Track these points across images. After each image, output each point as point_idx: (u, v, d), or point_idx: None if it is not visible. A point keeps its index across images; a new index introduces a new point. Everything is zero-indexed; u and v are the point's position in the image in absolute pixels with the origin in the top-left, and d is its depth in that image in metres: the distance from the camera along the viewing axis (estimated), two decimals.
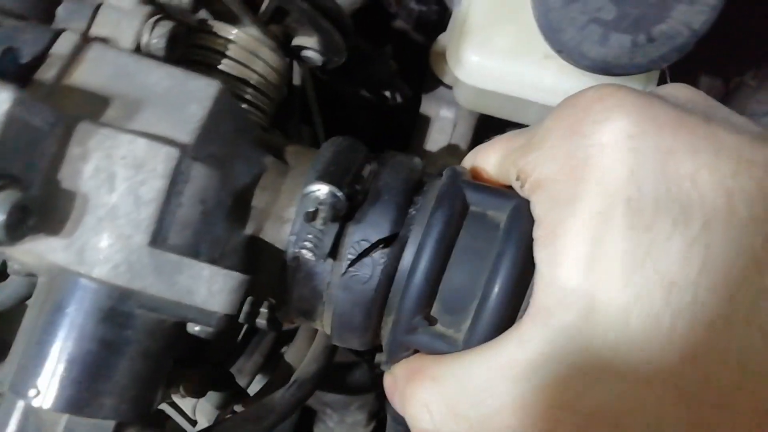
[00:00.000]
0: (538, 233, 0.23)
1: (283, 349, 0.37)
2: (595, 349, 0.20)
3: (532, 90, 0.39)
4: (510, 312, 0.25)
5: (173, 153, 0.23)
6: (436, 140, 0.50)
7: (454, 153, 0.49)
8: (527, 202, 0.25)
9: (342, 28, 0.32)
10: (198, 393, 0.28)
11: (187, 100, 0.25)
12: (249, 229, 0.28)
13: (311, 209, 0.25)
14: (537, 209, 0.24)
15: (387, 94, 0.64)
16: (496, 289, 0.25)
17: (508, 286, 0.25)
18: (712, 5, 0.30)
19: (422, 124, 0.51)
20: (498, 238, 0.26)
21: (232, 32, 0.31)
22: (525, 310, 0.24)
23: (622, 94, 0.22)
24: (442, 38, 0.48)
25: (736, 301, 0.19)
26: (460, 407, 0.22)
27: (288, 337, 0.43)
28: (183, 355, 0.28)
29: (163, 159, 0.23)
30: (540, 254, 0.23)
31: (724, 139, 0.21)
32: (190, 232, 0.24)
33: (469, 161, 0.30)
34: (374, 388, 0.60)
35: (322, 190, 0.25)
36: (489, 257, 0.26)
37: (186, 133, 0.24)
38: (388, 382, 0.28)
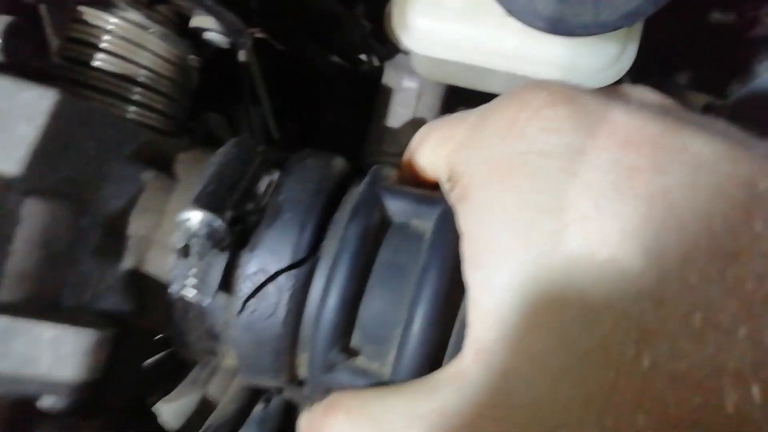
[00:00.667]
0: (465, 250, 0.19)
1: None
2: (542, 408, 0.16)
3: (492, 56, 0.32)
4: (438, 341, 0.20)
5: None
6: (399, 114, 0.45)
7: (420, 127, 0.43)
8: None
9: (237, 4, 0.26)
10: None
11: (14, 118, 0.20)
12: (128, 263, 0.23)
13: (182, 243, 0.20)
14: (463, 221, 0.19)
15: (363, 57, 0.58)
16: (420, 316, 0.20)
17: (433, 312, 0.20)
18: None
19: (384, 96, 0.46)
20: (422, 252, 0.21)
21: (108, 20, 0.26)
22: (458, 336, 0.20)
23: (575, 99, 0.18)
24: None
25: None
26: None
27: None
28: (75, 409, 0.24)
29: None
30: (470, 277, 0.18)
31: (700, 152, 0.16)
32: (28, 284, 0.20)
33: (413, 143, 0.26)
34: None
35: (193, 219, 0.20)
36: (413, 275, 0.21)
37: (12, 162, 0.19)
38: (302, 422, 0.24)
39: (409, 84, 0.44)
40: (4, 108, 0.20)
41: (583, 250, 0.16)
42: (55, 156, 0.20)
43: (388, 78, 0.45)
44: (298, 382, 0.26)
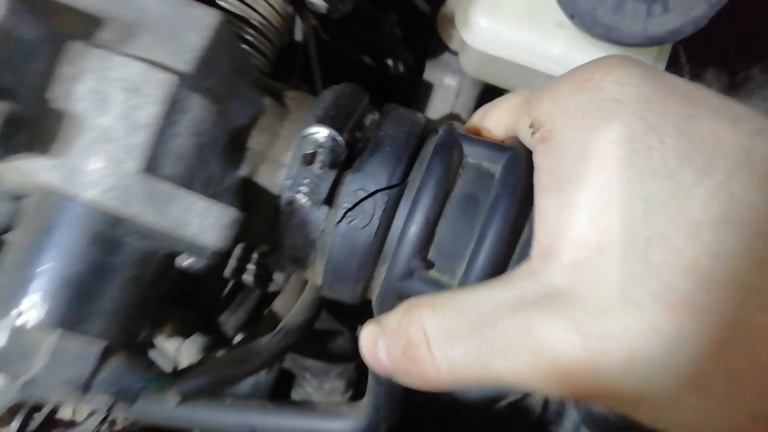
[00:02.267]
0: (544, 180, 0.23)
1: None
2: (610, 281, 0.20)
3: (540, 59, 0.38)
4: (504, 255, 0.25)
5: (172, 80, 0.22)
6: (437, 108, 0.50)
7: (456, 120, 0.48)
8: (525, 154, 0.25)
9: None
10: (184, 333, 0.28)
11: (185, 27, 0.24)
12: (243, 171, 0.27)
13: (309, 152, 0.25)
14: (546, 158, 0.24)
15: (389, 61, 0.63)
16: (492, 232, 0.24)
17: (504, 230, 0.24)
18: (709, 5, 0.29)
19: (424, 90, 0.51)
20: (493, 186, 0.26)
21: None
22: (519, 254, 0.24)
23: (641, 65, 0.23)
24: (451, 1, 0.47)
25: (757, 244, 0.19)
26: (459, 333, 0.22)
27: (272, 297, 0.42)
28: (172, 293, 0.28)
29: (160, 85, 0.22)
30: (547, 199, 0.23)
31: (739, 111, 0.21)
32: (184, 164, 0.23)
33: (476, 119, 0.30)
34: (355, 357, 0.60)
35: (321, 132, 0.25)
36: (484, 204, 0.26)
37: (184, 62, 0.23)
38: (371, 330, 0.27)
39: (450, 82, 0.49)
40: (177, 18, 0.24)
41: (648, 168, 0.20)
42: (211, 64, 0.24)
43: (430, 74, 0.50)
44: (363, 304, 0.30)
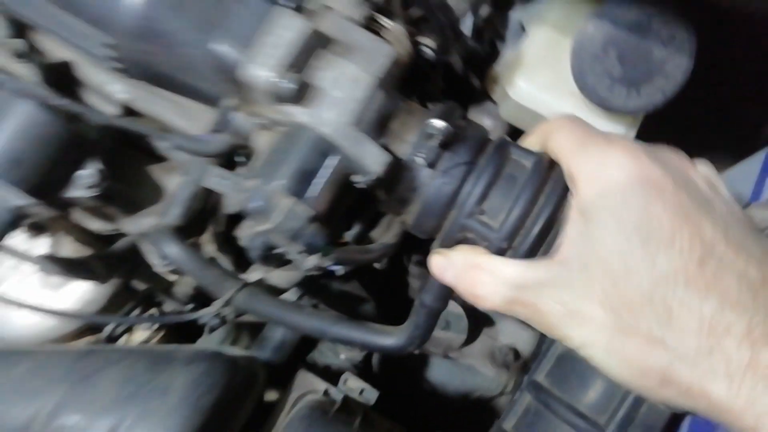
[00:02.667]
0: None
1: None
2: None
3: (556, 113, 0.58)
4: (528, 212, 0.43)
5: (373, 79, 0.41)
6: None
7: None
8: (546, 158, 0.44)
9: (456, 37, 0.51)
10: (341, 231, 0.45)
11: (378, 52, 0.43)
12: (382, 140, 0.46)
13: (432, 132, 0.43)
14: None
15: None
16: (524, 198, 0.43)
17: (530, 197, 0.43)
18: (678, 81, 0.50)
19: None
20: (527, 172, 0.44)
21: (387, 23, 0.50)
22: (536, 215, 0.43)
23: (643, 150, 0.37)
24: (497, 67, 0.67)
25: None
26: (520, 297, 0.39)
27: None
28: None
29: (367, 81, 0.41)
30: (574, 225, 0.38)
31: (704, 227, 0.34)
32: (368, 126, 0.42)
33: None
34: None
35: (440, 123, 0.43)
36: (520, 182, 0.44)
37: (377, 68, 0.42)
38: (439, 260, 0.44)
39: (487, 123, 0.69)
40: (372, 46, 0.43)
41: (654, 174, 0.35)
42: (387, 75, 0.44)
43: (472, 116, 0.70)
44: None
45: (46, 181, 0.53)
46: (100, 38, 0.46)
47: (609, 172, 0.36)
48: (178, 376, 0.50)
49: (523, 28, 0.69)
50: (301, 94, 0.40)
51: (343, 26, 0.42)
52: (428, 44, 0.52)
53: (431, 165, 0.45)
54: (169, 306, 0.82)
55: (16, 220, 0.54)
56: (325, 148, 0.40)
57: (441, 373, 0.99)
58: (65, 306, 0.75)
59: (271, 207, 0.40)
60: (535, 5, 0.67)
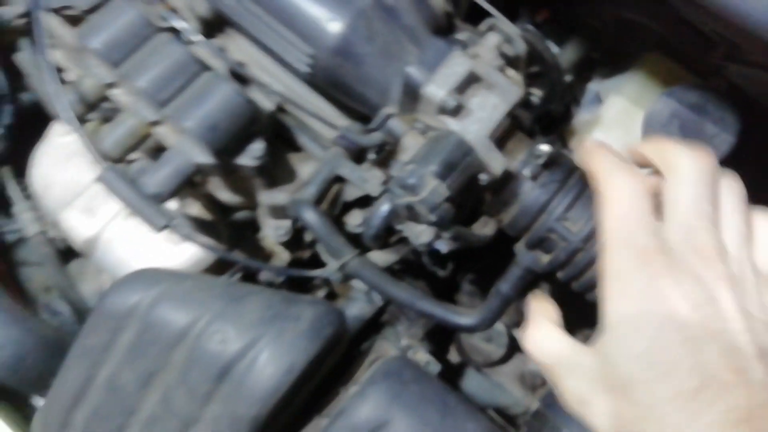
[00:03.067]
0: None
1: None
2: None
3: None
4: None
5: (504, 109, 0.57)
6: None
7: None
8: None
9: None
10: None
11: (510, 91, 0.59)
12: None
13: (539, 154, 0.59)
14: None
15: None
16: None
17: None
18: (722, 152, 0.65)
19: None
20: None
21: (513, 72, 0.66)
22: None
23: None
24: (575, 123, 0.83)
25: None
26: (550, 367, 0.48)
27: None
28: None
29: (502, 109, 0.57)
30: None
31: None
32: (496, 140, 0.58)
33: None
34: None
35: (547, 147, 0.59)
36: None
37: (509, 101, 0.58)
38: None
39: None
40: (504, 87, 0.60)
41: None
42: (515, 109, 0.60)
43: None
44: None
45: (228, 147, 0.69)
46: (302, 48, 0.63)
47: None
48: (306, 309, 0.65)
49: (598, 98, 0.86)
50: (457, 110, 0.56)
51: (489, 70, 0.58)
52: (536, 93, 0.68)
53: (533, 178, 0.61)
54: (263, 277, 0.96)
55: (193, 174, 0.71)
56: (466, 150, 0.56)
57: (472, 385, 1.11)
58: (178, 261, 0.90)
59: (421, 184, 0.55)
60: (611, 80, 0.84)
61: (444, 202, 0.56)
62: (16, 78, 1.07)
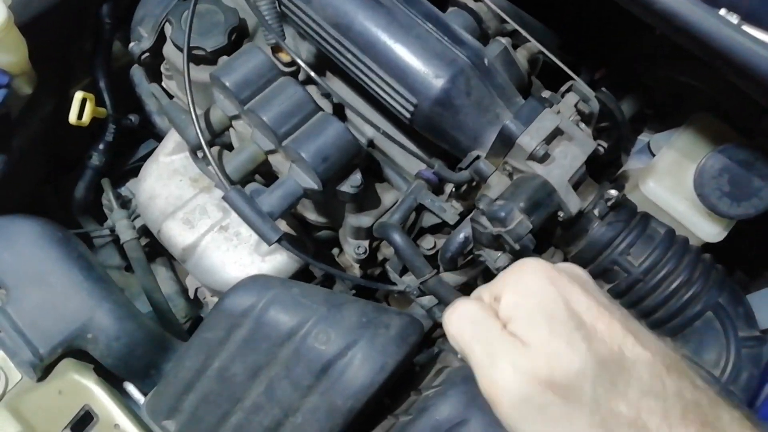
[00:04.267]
0: None
1: None
2: None
3: (674, 209, 0.83)
4: None
5: (583, 158, 0.68)
6: None
7: None
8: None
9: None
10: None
11: (588, 143, 0.69)
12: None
13: (608, 197, 0.69)
14: None
15: None
16: (661, 248, 0.68)
17: (665, 249, 0.68)
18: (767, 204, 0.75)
19: None
20: (660, 236, 0.70)
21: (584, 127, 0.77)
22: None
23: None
24: (627, 169, 0.93)
25: None
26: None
27: None
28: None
29: (582, 158, 0.68)
30: None
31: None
32: (574, 184, 0.68)
33: None
34: None
35: (615, 192, 0.69)
36: (656, 240, 0.69)
37: (587, 152, 0.69)
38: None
39: None
40: (574, 133, 0.70)
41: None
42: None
43: None
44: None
45: (334, 176, 0.80)
46: (408, 97, 0.75)
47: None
48: (395, 318, 0.75)
49: (648, 149, 0.96)
50: (544, 157, 0.66)
51: (570, 125, 0.69)
52: (603, 145, 0.79)
53: (601, 217, 0.71)
54: (337, 287, 1.07)
55: (301, 198, 0.82)
56: (549, 191, 0.66)
57: None
58: (263, 271, 1.00)
59: (510, 218, 0.65)
60: (662, 134, 0.94)
61: (528, 234, 0.66)
62: (119, 101, 1.21)
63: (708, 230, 0.82)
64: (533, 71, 0.83)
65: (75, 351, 0.85)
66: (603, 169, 1.00)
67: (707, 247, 0.83)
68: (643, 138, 0.99)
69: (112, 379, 0.89)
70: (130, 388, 0.90)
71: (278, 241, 0.77)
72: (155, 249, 1.25)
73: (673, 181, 0.84)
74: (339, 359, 0.71)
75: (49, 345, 0.83)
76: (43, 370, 0.84)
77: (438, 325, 1.04)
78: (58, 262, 0.86)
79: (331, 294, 0.78)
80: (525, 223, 0.65)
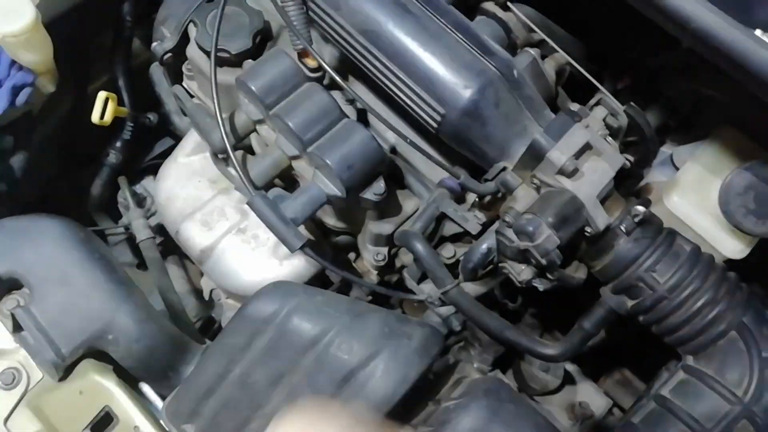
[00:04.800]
0: None
1: None
2: None
3: (696, 225, 0.83)
4: None
5: (611, 173, 0.68)
6: None
7: None
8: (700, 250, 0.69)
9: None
10: None
11: (616, 158, 0.69)
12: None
13: (635, 213, 0.69)
14: None
15: None
16: (686, 266, 0.68)
17: (690, 267, 0.68)
18: None
19: None
20: (686, 254, 0.69)
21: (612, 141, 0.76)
22: None
23: None
24: (650, 185, 0.93)
25: None
26: None
27: None
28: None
29: (610, 174, 0.67)
30: None
31: None
32: (601, 199, 0.68)
33: None
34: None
35: (642, 209, 0.69)
36: (682, 258, 0.69)
37: (615, 167, 0.69)
38: None
39: None
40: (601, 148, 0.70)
41: None
42: None
43: None
44: None
45: (358, 183, 0.80)
46: (436, 107, 0.74)
47: None
48: (417, 329, 0.75)
49: (671, 162, 0.96)
50: (573, 172, 0.66)
51: (600, 140, 0.69)
52: (630, 159, 0.78)
53: (627, 233, 0.71)
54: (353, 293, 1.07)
55: (323, 205, 0.82)
56: (578, 206, 0.66)
57: None
58: (281, 275, 1.00)
59: (538, 232, 0.65)
60: (685, 147, 0.94)
61: (555, 250, 0.66)
62: (138, 99, 1.21)
63: (731, 247, 0.81)
64: (560, 82, 0.83)
65: (95, 352, 0.85)
66: (624, 179, 0.99)
67: (730, 263, 0.83)
68: (666, 150, 0.98)
69: (130, 379, 0.89)
70: (146, 389, 0.91)
71: (302, 248, 0.78)
72: (167, 248, 1.25)
73: (698, 196, 0.83)
74: (361, 369, 0.72)
75: (71, 345, 0.83)
76: (65, 369, 0.84)
77: (453, 332, 1.04)
78: (81, 262, 0.86)
79: (354, 303, 0.78)
80: (553, 238, 0.65)
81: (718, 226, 0.82)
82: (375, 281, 1.03)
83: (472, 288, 0.90)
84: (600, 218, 0.67)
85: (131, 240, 1.24)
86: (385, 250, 0.95)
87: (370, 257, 0.97)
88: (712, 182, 0.82)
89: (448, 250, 0.92)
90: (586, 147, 0.67)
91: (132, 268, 1.35)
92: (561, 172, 0.66)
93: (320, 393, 0.72)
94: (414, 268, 0.97)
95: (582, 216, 0.67)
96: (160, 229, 1.17)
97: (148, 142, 1.34)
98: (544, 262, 0.66)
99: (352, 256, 1.06)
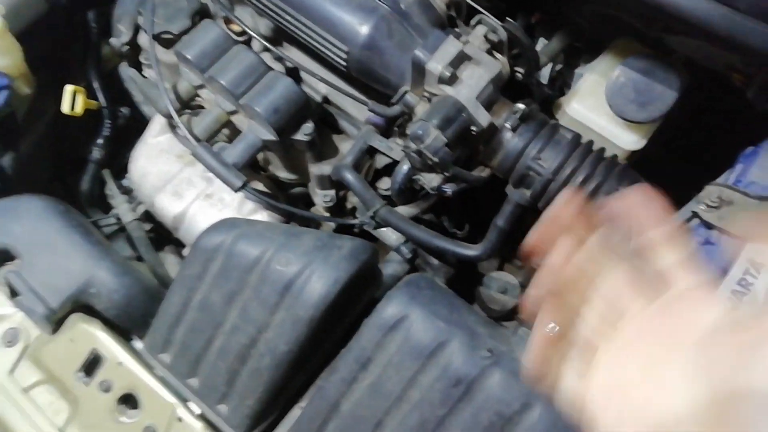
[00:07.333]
0: None
1: None
2: None
3: (596, 126, 0.92)
4: None
5: (488, 78, 0.78)
6: None
7: None
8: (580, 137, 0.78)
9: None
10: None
11: (493, 65, 0.79)
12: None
13: (516, 110, 0.78)
14: None
15: None
16: (565, 150, 0.77)
17: (569, 150, 0.77)
18: (668, 105, 0.83)
19: None
20: (566, 140, 0.79)
21: (498, 55, 0.86)
22: None
23: None
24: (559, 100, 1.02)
25: None
26: None
27: None
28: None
29: (486, 78, 0.77)
30: None
31: None
32: (483, 101, 0.78)
33: None
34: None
35: (522, 105, 0.78)
36: (562, 144, 0.79)
37: (492, 72, 0.78)
38: None
39: None
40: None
41: None
42: None
43: None
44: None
45: (287, 126, 0.91)
46: (340, 46, 0.85)
47: None
48: (347, 242, 0.85)
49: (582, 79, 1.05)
50: (452, 79, 0.76)
51: (475, 50, 0.79)
52: (519, 70, 0.88)
53: (513, 130, 0.80)
54: None
55: (261, 149, 0.93)
56: (459, 108, 0.76)
57: None
58: None
59: (426, 134, 0.75)
60: (591, 64, 1.03)
61: (443, 147, 0.76)
62: (115, 100, 1.34)
63: (628, 139, 0.90)
64: (459, 15, 0.93)
65: (82, 306, 0.97)
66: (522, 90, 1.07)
67: (641, 161, 0.92)
68: (579, 71, 1.07)
69: (117, 331, 1.01)
70: (137, 343, 1.02)
71: (243, 187, 0.89)
72: (162, 236, 1.37)
73: (594, 100, 0.92)
74: (298, 277, 0.82)
75: (59, 300, 0.95)
76: (56, 323, 0.96)
77: (411, 264, 1.13)
78: (61, 230, 0.99)
79: (290, 227, 0.89)
80: (440, 137, 0.75)
81: (612, 123, 0.90)
82: (331, 225, 1.13)
83: (406, 210, 1.00)
84: (482, 117, 0.77)
85: (130, 240, 1.36)
86: (332, 192, 1.06)
87: (320, 201, 1.07)
88: (603, 85, 0.91)
89: (384, 182, 1.02)
90: (464, 57, 0.77)
91: (132, 261, 1.47)
92: (441, 80, 0.76)
93: (267, 303, 0.83)
94: (362, 205, 1.07)
95: (465, 116, 0.76)
96: (149, 217, 1.29)
97: (130, 138, 1.47)
98: (436, 159, 0.76)
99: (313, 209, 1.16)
